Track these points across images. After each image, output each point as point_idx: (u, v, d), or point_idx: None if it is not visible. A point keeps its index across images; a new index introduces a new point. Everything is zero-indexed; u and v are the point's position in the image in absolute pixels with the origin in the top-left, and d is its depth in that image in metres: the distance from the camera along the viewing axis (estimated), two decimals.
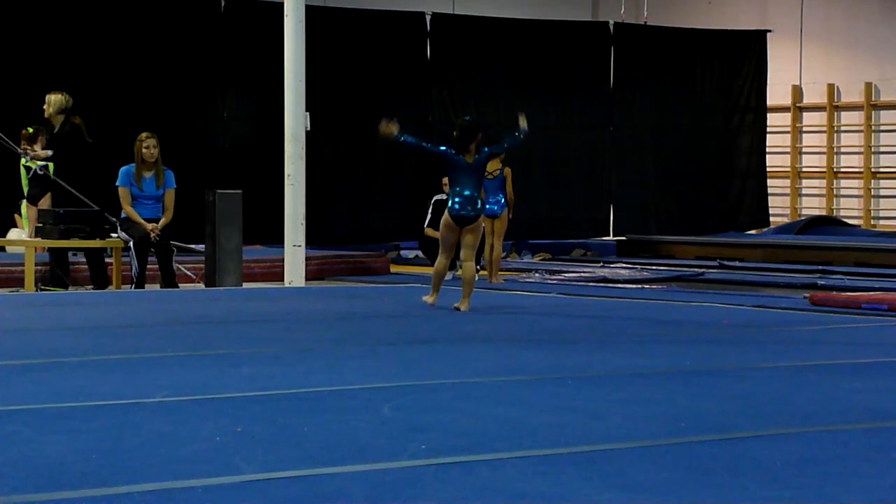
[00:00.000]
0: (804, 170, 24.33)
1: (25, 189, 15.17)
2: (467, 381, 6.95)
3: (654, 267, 17.05)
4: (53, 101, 13.82)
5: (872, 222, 23.32)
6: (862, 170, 23.54)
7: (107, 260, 14.03)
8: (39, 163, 14.13)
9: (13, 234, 15.31)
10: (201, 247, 14.28)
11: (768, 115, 22.34)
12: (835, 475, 4.69)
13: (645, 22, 22.94)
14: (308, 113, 14.17)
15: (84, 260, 14.10)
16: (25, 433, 5.36)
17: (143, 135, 13.64)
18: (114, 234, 13.79)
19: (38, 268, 13.65)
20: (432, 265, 15.81)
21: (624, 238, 20.54)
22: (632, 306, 11.77)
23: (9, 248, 15.56)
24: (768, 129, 22.35)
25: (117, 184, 13.55)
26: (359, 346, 8.59)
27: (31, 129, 14.84)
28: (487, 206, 14.59)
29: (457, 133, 11.06)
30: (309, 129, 14.21)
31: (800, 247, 18.81)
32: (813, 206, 24.01)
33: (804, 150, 24.35)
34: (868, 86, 23.32)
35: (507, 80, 19.68)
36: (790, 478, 4.62)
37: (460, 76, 19.28)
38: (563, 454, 5.01)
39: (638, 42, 20.91)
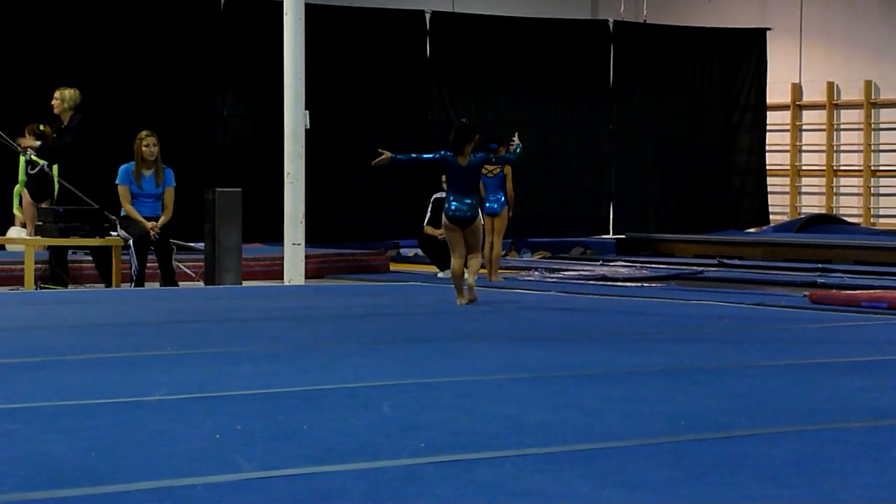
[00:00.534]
0: (804, 168, 24.33)
1: (22, 179, 15.17)
2: (467, 379, 6.95)
3: (653, 265, 17.05)
4: (67, 96, 13.83)
5: (872, 220, 23.32)
6: (861, 168, 23.54)
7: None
8: (43, 161, 14.12)
9: (13, 232, 15.31)
10: (201, 245, 14.28)
11: (768, 113, 22.35)
12: (834, 473, 4.69)
13: (644, 20, 22.93)
14: (308, 111, 14.16)
15: (86, 258, 14.10)
16: (25, 431, 5.36)
17: (143, 133, 13.63)
18: (113, 233, 13.79)
19: (38, 266, 13.65)
20: (432, 263, 15.89)
21: (623, 236, 20.55)
22: (631, 304, 11.77)
23: (8, 247, 15.56)
24: (768, 127, 22.36)
25: (117, 182, 13.55)
26: (358, 344, 8.59)
27: (42, 127, 14.86)
28: (487, 205, 14.60)
29: (452, 135, 11.12)
30: (308, 127, 14.21)
31: (799, 245, 18.81)
32: (812, 205, 24.01)
33: (804, 148, 24.35)
34: (868, 84, 23.32)
35: (507, 79, 19.68)
36: (789, 476, 4.62)
37: (460, 74, 19.28)
38: (562, 452, 5.01)
39: (637, 40, 20.91)
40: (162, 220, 13.48)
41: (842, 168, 23.97)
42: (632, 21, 22.61)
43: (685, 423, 5.64)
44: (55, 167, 14.04)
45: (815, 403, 6.28)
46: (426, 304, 11.95)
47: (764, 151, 22.22)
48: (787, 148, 24.16)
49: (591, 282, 14.67)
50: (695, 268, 16.53)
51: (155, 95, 16.76)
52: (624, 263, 17.37)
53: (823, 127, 23.99)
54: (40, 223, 13.64)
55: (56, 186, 14.07)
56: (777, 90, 23.26)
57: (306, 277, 14.32)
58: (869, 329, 9.99)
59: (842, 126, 23.97)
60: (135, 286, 13.23)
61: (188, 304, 11.65)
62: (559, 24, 20.56)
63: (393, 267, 16.92)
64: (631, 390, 6.60)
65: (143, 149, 13.53)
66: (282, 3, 14.19)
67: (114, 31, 16.59)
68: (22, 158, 15.16)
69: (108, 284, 13.58)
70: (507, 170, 14.79)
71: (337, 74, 18.10)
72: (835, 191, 23.97)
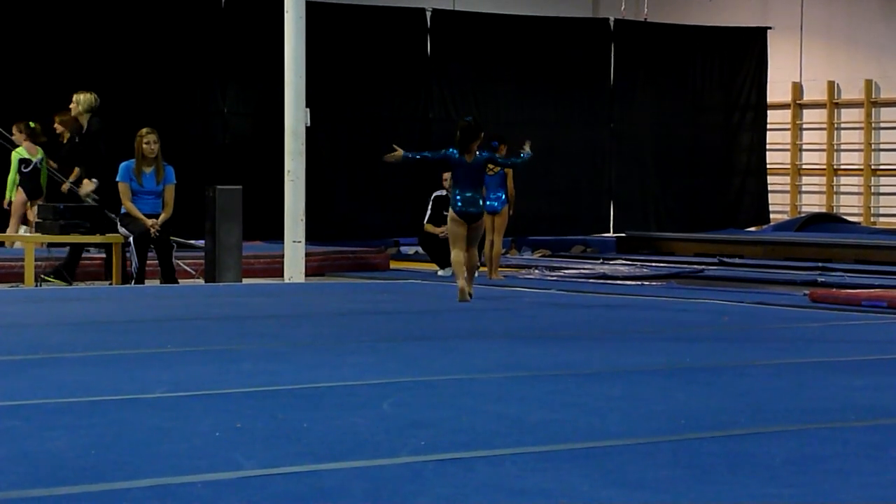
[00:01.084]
0: (804, 167, 24.32)
1: (13, 179, 15.18)
2: (467, 377, 6.95)
3: (653, 264, 17.04)
4: (83, 100, 13.83)
5: (872, 219, 23.31)
6: (862, 167, 23.53)
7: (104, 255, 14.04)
8: (38, 157, 14.10)
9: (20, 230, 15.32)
10: (201, 242, 14.27)
11: (768, 112, 22.35)
12: (834, 472, 4.69)
13: (645, 19, 22.93)
14: (308, 109, 14.16)
15: (92, 254, 14.12)
16: (25, 429, 5.36)
17: (144, 130, 13.63)
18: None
19: (55, 260, 13.68)
20: (432, 261, 15.88)
21: (624, 235, 20.54)
22: (631, 303, 11.77)
23: (8, 245, 15.57)
24: (768, 126, 22.35)
25: (117, 179, 13.54)
26: (358, 342, 8.59)
27: (32, 124, 14.85)
28: (488, 203, 14.58)
29: (459, 134, 11.34)
30: (309, 125, 14.21)
31: (800, 244, 18.80)
32: (813, 203, 24.01)
33: (804, 147, 24.34)
34: (868, 83, 23.31)
35: (508, 77, 19.68)
36: (790, 475, 4.62)
37: (460, 72, 19.28)
38: (562, 451, 5.01)
39: (638, 39, 20.91)
40: (162, 217, 13.48)
41: (842, 167, 23.96)
42: (632, 20, 22.60)
43: (685, 422, 5.64)
44: (44, 164, 14.03)
45: (816, 402, 6.28)
46: (426, 302, 11.96)
47: (764, 150, 22.22)
48: (788, 147, 24.15)
49: (591, 280, 14.66)
50: (695, 266, 16.52)
51: (156, 93, 16.76)
52: (624, 262, 17.36)
53: (824, 126, 23.98)
54: (40, 220, 13.64)
55: (44, 181, 14.04)
56: (778, 89, 23.25)
57: (306, 275, 14.32)
58: (869, 328, 9.99)
59: (842, 125, 23.96)
60: (135, 284, 13.22)
61: (188, 301, 11.64)
62: (560, 23, 20.56)
63: (393, 265, 16.91)
64: (631, 389, 6.60)
65: (144, 146, 13.53)
66: (282, 0, 14.18)
67: (115, 29, 16.59)
68: (14, 156, 15.15)
69: (124, 282, 13.57)
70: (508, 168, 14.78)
71: (338, 72, 18.10)
72: (835, 190, 23.97)
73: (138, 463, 4.69)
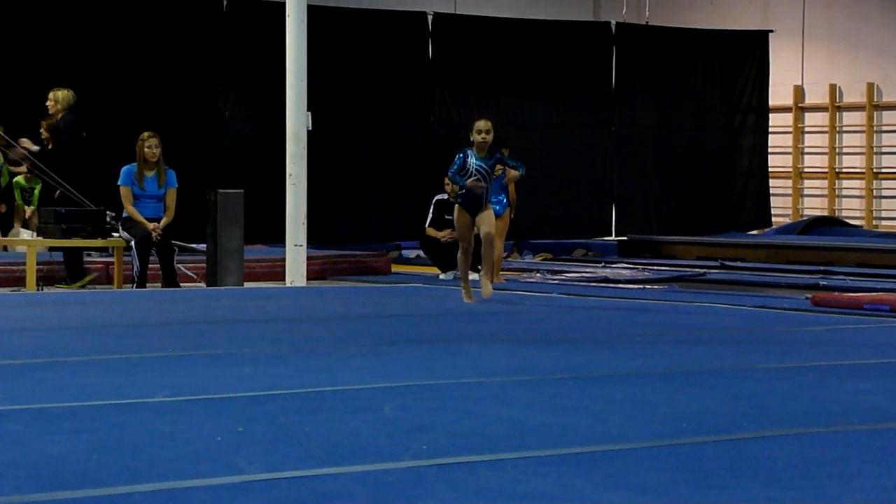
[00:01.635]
0: (806, 170, 24.32)
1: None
2: (469, 381, 6.94)
3: (655, 267, 17.04)
4: (61, 97, 13.84)
5: (874, 223, 23.32)
6: (864, 170, 23.54)
7: (107, 259, 14.05)
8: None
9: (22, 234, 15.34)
10: (203, 246, 14.28)
11: (770, 115, 22.34)
12: (837, 476, 4.68)
13: (646, 22, 22.94)
14: (310, 112, 14.17)
15: (93, 258, 14.13)
16: (26, 433, 5.35)
17: (145, 134, 13.64)
18: (115, 234, 13.79)
19: (55, 266, 13.70)
20: (433, 265, 15.88)
21: (625, 238, 20.53)
22: (633, 307, 11.76)
23: (10, 248, 15.57)
24: (770, 130, 22.34)
25: (119, 183, 13.56)
26: (360, 345, 8.58)
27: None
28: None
29: (484, 136, 11.33)
30: (311, 128, 14.22)
31: (802, 247, 18.79)
32: (815, 207, 24.02)
33: (806, 150, 24.35)
34: (870, 86, 23.32)
35: (509, 80, 19.68)
36: (792, 479, 4.62)
37: (462, 76, 19.28)
38: (564, 454, 5.01)
39: (640, 42, 20.91)
40: (164, 221, 13.49)
41: (844, 170, 23.96)
42: (634, 23, 22.61)
43: (687, 426, 5.63)
44: (4, 168, 14.07)
45: (818, 406, 6.27)
46: (428, 305, 11.95)
47: (766, 153, 22.21)
48: (790, 150, 24.16)
49: (592, 284, 14.66)
50: (697, 270, 16.52)
51: (157, 96, 16.76)
52: (626, 265, 17.36)
53: (826, 129, 23.99)
54: (42, 224, 13.65)
55: (4, 181, 14.05)
56: (779, 92, 23.25)
57: (308, 279, 14.33)
58: (871, 332, 9.99)
59: (844, 128, 23.97)
60: (136, 287, 13.23)
61: (190, 305, 11.64)
62: (561, 26, 20.57)
63: (394, 268, 16.92)
64: (633, 392, 6.59)
65: (146, 150, 13.54)
66: (284, 4, 14.19)
67: (116, 32, 16.59)
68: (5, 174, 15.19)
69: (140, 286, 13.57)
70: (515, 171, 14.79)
71: (339, 76, 18.10)
72: (837, 193, 23.97)
73: (140, 467, 4.69)
